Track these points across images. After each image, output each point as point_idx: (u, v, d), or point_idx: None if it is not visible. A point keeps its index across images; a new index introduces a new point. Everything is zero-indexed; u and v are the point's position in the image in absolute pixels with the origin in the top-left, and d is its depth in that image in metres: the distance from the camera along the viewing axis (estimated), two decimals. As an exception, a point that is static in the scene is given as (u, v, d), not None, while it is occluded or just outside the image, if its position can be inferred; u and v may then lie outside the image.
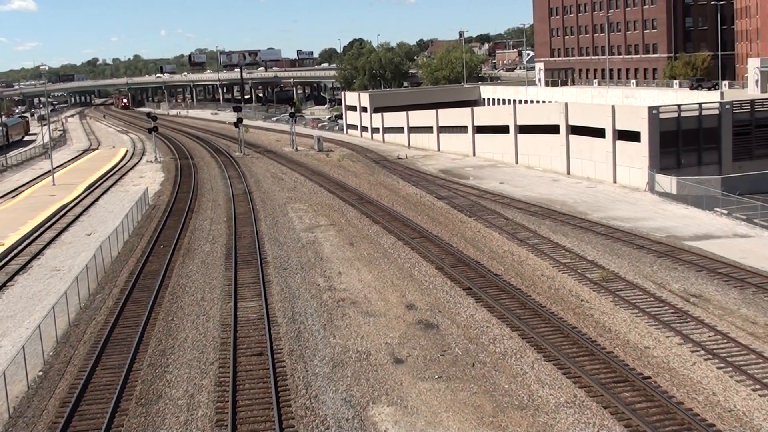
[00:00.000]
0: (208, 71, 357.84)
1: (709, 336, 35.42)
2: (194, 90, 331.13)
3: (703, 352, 33.60)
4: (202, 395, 31.58)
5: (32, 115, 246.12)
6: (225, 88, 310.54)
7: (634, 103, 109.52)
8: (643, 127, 73.85)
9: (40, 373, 34.78)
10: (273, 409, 29.67)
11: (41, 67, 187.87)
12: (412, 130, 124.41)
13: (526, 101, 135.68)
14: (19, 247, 60.39)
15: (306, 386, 31.88)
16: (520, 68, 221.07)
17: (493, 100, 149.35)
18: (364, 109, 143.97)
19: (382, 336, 37.34)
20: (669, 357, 33.31)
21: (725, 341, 34.68)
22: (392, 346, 35.95)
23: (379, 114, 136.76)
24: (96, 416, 30.10)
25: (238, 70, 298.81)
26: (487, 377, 32.19)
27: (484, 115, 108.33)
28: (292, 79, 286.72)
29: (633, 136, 75.19)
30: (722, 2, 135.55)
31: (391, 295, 43.85)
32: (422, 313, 40.41)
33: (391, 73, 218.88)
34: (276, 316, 40.85)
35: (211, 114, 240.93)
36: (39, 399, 32.10)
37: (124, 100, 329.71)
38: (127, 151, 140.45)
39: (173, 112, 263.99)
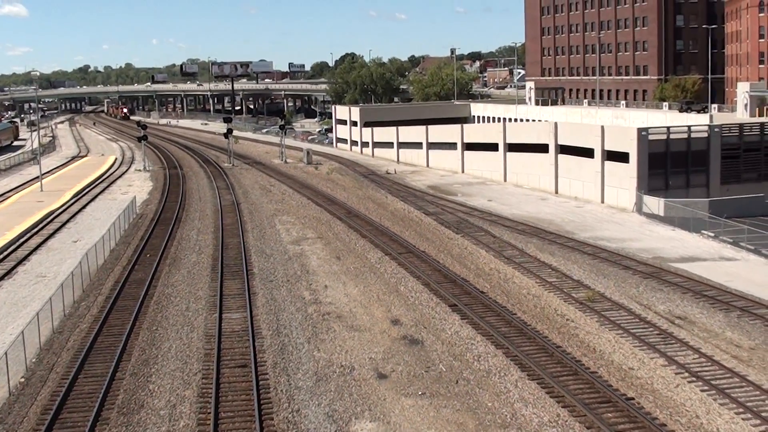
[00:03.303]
0: (198, 83, 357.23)
1: (694, 358, 35.46)
2: (185, 100, 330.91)
3: (687, 374, 33.64)
4: (184, 406, 31.44)
5: (22, 120, 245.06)
6: (216, 99, 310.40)
7: (623, 124, 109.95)
8: (632, 148, 74.08)
9: (22, 380, 34.57)
10: (255, 421, 29.57)
11: (32, 73, 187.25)
12: (402, 145, 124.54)
13: (515, 120, 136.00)
14: (5, 253, 60.10)
15: (289, 399, 31.78)
16: (511, 86, 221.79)
17: (483, 117, 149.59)
18: (354, 123, 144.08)
19: (366, 351, 37.27)
20: (653, 378, 33.33)
21: (709, 364, 34.73)
22: (376, 361, 35.88)
23: (369, 128, 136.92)
24: (77, 424, 29.95)
25: (229, 80, 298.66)
26: (471, 395, 32.14)
27: (474, 133, 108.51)
28: (283, 92, 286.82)
29: (622, 157, 75.42)
30: (713, 26, 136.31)
31: (377, 309, 43.79)
32: (407, 329, 40.36)
33: (382, 88, 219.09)
34: (261, 329, 40.74)
35: (202, 124, 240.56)
36: (20, 406, 31.90)
37: (124, 110, 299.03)
38: (116, 159, 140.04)
39: (163, 121, 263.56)
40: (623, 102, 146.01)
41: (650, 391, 32.16)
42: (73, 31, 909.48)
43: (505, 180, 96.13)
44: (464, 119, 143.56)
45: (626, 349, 36.80)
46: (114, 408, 31.32)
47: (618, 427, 28.85)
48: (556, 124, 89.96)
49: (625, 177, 74.88)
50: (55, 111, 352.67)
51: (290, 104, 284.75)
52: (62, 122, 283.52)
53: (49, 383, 34.17)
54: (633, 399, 31.30)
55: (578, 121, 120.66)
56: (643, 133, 74.42)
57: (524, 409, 30.71)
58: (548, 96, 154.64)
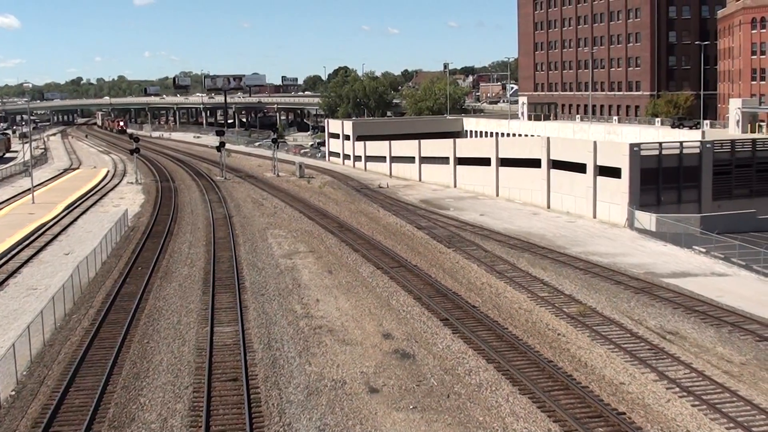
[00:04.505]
0: (192, 94, 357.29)
1: (685, 373, 35.51)
2: (177, 113, 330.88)
3: (678, 389, 33.68)
4: (175, 419, 31.37)
5: (14, 132, 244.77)
6: (209, 112, 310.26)
7: (615, 139, 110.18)
8: (624, 164, 74.29)
9: (13, 393, 34.46)
10: (246, 435, 29.51)
11: (24, 85, 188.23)
12: (394, 159, 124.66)
13: (508, 134, 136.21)
14: (-4, 265, 59.98)
15: (280, 413, 31.73)
16: (504, 101, 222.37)
17: (476, 132, 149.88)
18: (347, 137, 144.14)
19: (357, 365, 37.24)
20: (644, 393, 33.36)
21: (700, 379, 34.78)
22: (368, 375, 35.85)
23: (362, 142, 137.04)
24: (67, 438, 29.85)
25: (222, 93, 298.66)
26: (462, 409, 32.13)
27: (466, 147, 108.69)
28: (275, 105, 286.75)
29: (614, 172, 75.62)
30: (705, 43, 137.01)
31: (368, 323, 43.77)
32: (399, 343, 40.34)
33: (375, 102, 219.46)
34: (252, 342, 40.69)
35: (194, 137, 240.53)
36: (11, 419, 31.78)
37: (120, 123, 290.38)
38: (108, 171, 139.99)
39: (156, 134, 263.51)
40: (616, 117, 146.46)
41: (641, 405, 32.18)
42: (65, 43, 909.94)
43: (497, 194, 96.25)
44: (457, 134, 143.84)
45: (617, 364, 36.83)
46: (105, 421, 31.22)
47: (609, 442, 28.86)
48: (548, 139, 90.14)
49: (617, 192, 75.06)
50: (47, 123, 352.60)
51: (283, 117, 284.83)
52: (54, 134, 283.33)
53: (40, 396, 34.05)
54: (624, 414, 31.31)
55: (570, 136, 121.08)
56: (635, 149, 74.66)
57: (515, 423, 30.70)
58: (541, 111, 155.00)
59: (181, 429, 30.51)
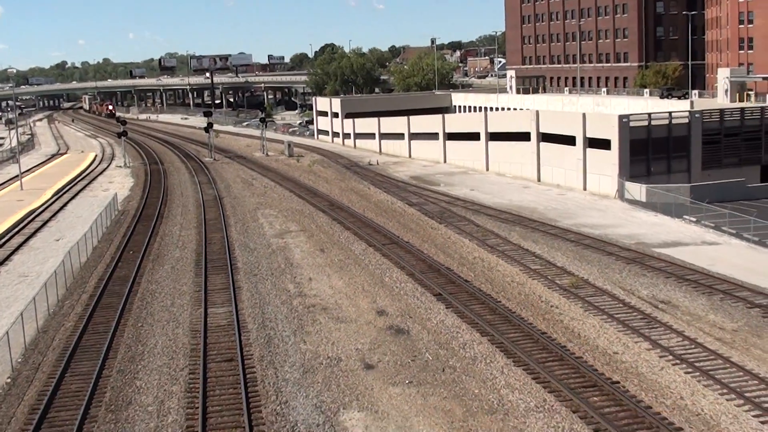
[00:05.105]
0: (178, 75, 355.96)
1: (677, 341, 35.71)
2: (164, 94, 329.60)
3: (671, 357, 33.87)
4: (172, 401, 31.44)
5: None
6: (195, 93, 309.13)
7: (604, 111, 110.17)
8: (613, 135, 74.35)
9: (8, 380, 34.45)
10: (243, 415, 29.59)
11: (8, 70, 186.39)
12: (384, 136, 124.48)
13: (497, 108, 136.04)
14: (-13, 252, 59.87)
15: (276, 392, 31.82)
16: (492, 76, 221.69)
17: (465, 107, 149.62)
18: (336, 115, 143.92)
19: (352, 342, 37.35)
20: (637, 362, 33.55)
21: (693, 346, 34.98)
22: (363, 352, 35.96)
23: (351, 120, 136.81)
24: (65, 423, 29.88)
25: (208, 74, 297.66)
26: (457, 382, 32.27)
27: (455, 122, 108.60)
28: (263, 84, 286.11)
29: (603, 144, 75.68)
30: (693, 13, 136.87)
31: (362, 301, 43.86)
32: (393, 319, 40.45)
33: (363, 79, 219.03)
34: (246, 322, 40.74)
35: (181, 119, 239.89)
36: (7, 406, 31.79)
37: (110, 107, 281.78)
38: (96, 155, 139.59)
39: (143, 116, 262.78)
40: (604, 89, 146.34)
41: (635, 374, 32.37)
42: (49, 27, 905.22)
43: (487, 169, 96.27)
44: (445, 109, 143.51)
45: (611, 334, 37.02)
46: (102, 405, 31.27)
47: (604, 410, 29.02)
48: (537, 112, 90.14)
49: (607, 164, 75.14)
50: (33, 108, 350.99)
51: (270, 97, 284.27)
52: (41, 119, 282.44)
53: (36, 383, 34.07)
54: (618, 383, 31.50)
55: (559, 109, 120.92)
56: (624, 120, 74.68)
57: (511, 395, 30.86)
58: (529, 84, 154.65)
59: (177, 411, 30.58)
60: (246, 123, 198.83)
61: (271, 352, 36.27)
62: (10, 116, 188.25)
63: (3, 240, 64.58)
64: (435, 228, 62.73)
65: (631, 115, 78.51)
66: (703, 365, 32.87)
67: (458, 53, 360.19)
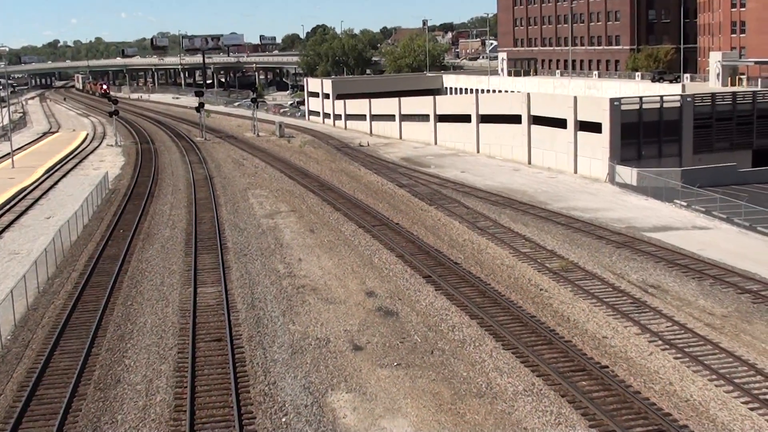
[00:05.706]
0: (170, 55, 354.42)
1: (667, 326, 35.76)
2: (156, 74, 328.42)
3: (660, 342, 33.92)
4: (160, 380, 31.42)
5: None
6: (187, 73, 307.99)
7: (596, 94, 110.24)
8: (604, 119, 74.30)
9: (-3, 357, 34.42)
10: (232, 395, 29.59)
11: (0, 49, 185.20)
12: (375, 117, 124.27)
13: (488, 91, 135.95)
14: (-24, 230, 59.67)
15: (265, 372, 31.82)
16: (483, 57, 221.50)
17: (456, 89, 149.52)
18: (327, 96, 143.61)
19: (341, 323, 37.35)
20: (627, 347, 33.60)
21: (682, 332, 35.03)
22: (352, 333, 35.96)
23: (342, 101, 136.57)
24: (54, 400, 29.85)
25: (200, 54, 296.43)
26: (446, 365, 32.30)
27: (446, 104, 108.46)
28: (254, 65, 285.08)
29: (594, 127, 75.62)
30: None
31: (351, 282, 43.85)
32: (382, 301, 40.45)
33: (354, 60, 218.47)
34: (236, 302, 40.72)
35: (173, 98, 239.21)
36: (-5, 383, 31.77)
37: (103, 86, 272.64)
38: (87, 134, 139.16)
39: (134, 95, 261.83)
40: (596, 72, 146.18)
41: (624, 359, 32.42)
42: (41, 6, 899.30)
43: (478, 151, 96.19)
44: (437, 91, 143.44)
45: (600, 318, 37.07)
46: (90, 383, 31.24)
47: (593, 394, 29.08)
48: (528, 94, 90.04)
49: (598, 147, 75.13)
50: (25, 87, 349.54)
51: (262, 77, 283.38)
52: (32, 98, 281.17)
53: (25, 360, 34.02)
54: (607, 367, 31.55)
55: (551, 92, 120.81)
56: (615, 104, 74.63)
57: (499, 378, 30.90)
58: (521, 67, 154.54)
59: (166, 390, 30.56)
60: (237, 103, 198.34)
61: (260, 333, 36.26)
62: (2, 95, 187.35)
63: (-8, 218, 64.40)
64: (425, 210, 62.70)
65: (623, 98, 78.39)
66: (693, 351, 32.91)
67: (450, 35, 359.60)
